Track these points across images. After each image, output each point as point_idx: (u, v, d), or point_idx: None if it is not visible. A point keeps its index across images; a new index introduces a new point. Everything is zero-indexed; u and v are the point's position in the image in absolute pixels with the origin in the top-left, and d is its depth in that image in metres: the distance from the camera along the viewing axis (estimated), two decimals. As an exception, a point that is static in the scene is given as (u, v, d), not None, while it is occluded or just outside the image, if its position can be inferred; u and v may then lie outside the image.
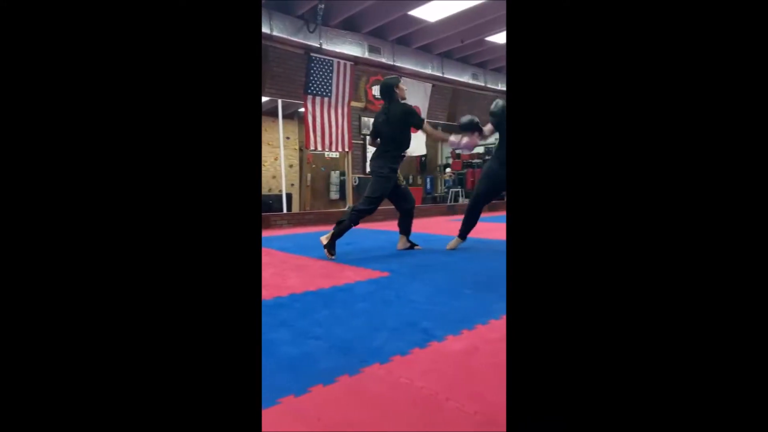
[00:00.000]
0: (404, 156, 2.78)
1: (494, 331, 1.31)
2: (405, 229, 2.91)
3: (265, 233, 4.13)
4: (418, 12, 5.05)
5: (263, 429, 0.55)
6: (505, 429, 0.78)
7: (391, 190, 2.70)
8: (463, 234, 2.92)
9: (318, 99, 5.21)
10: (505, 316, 1.43)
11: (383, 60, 5.67)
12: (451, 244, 2.91)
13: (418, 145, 6.90)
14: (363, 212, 2.61)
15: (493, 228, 4.00)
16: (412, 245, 2.92)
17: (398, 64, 6.04)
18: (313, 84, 5.10)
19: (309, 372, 1.03)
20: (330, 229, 2.63)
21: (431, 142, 7.92)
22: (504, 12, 4.99)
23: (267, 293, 1.78)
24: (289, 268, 2.22)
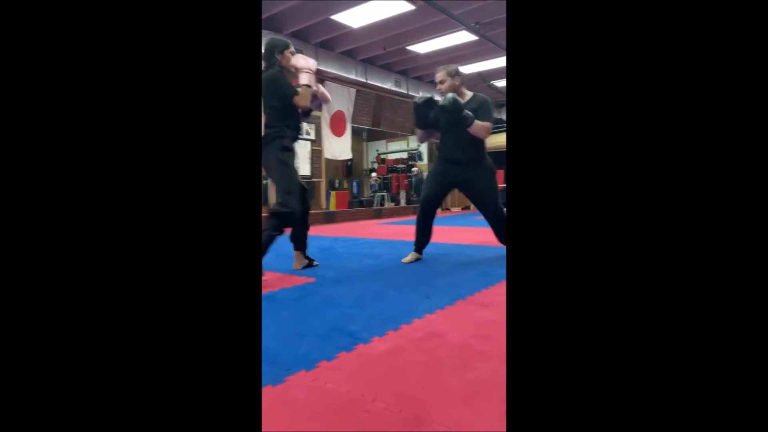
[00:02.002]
0: (297, 136, 2.21)
1: (418, 330, 1.35)
2: (298, 241, 2.34)
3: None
4: (341, 17, 5.07)
5: (263, 429, 0.54)
6: (430, 426, 0.81)
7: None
8: (418, 247, 2.59)
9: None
10: (427, 315, 1.48)
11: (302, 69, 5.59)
12: (408, 258, 2.56)
13: (343, 149, 6.91)
14: (283, 216, 2.03)
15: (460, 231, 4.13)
16: (310, 262, 2.40)
17: (321, 67, 6.01)
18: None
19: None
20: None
21: (355, 145, 7.95)
22: (426, 22, 5.20)
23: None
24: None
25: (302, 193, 2.20)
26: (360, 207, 8.21)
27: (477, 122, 2.35)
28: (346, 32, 5.54)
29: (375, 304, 1.65)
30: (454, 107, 2.30)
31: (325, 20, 5.11)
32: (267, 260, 2.58)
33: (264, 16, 4.86)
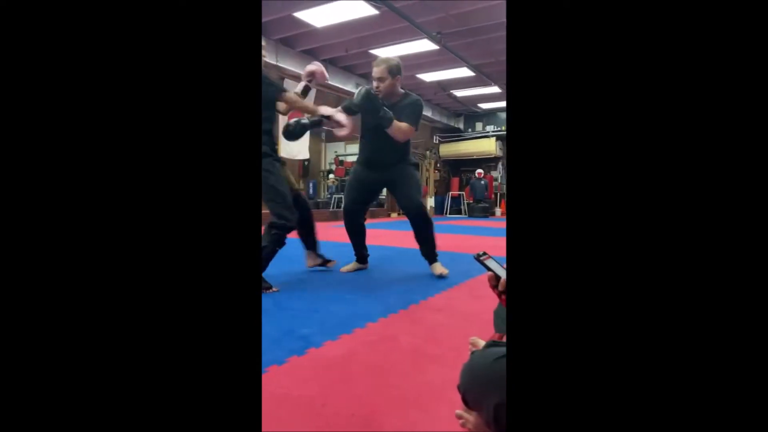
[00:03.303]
0: (270, 141, 2.05)
1: (372, 333, 1.35)
2: (309, 241, 2.33)
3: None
4: (304, 15, 5.01)
5: (263, 430, 0.53)
6: (381, 428, 0.81)
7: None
8: (358, 257, 2.42)
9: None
10: (381, 319, 1.49)
11: (266, 59, 5.48)
12: (348, 267, 2.39)
13: (300, 148, 6.80)
14: (280, 228, 1.90)
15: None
16: (325, 261, 2.37)
17: (281, 64, 5.90)
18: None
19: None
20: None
21: (314, 145, 7.84)
22: (389, 27, 5.24)
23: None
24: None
25: (297, 198, 2.09)
26: (315, 209, 8.11)
27: (396, 123, 2.03)
28: (308, 31, 5.47)
29: (328, 308, 1.63)
30: (369, 105, 1.94)
31: (287, 16, 5.02)
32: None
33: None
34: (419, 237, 2.27)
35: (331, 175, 9.92)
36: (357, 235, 2.39)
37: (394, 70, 2.11)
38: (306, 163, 9.38)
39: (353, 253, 2.45)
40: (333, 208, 8.09)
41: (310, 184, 9.75)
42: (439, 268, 2.28)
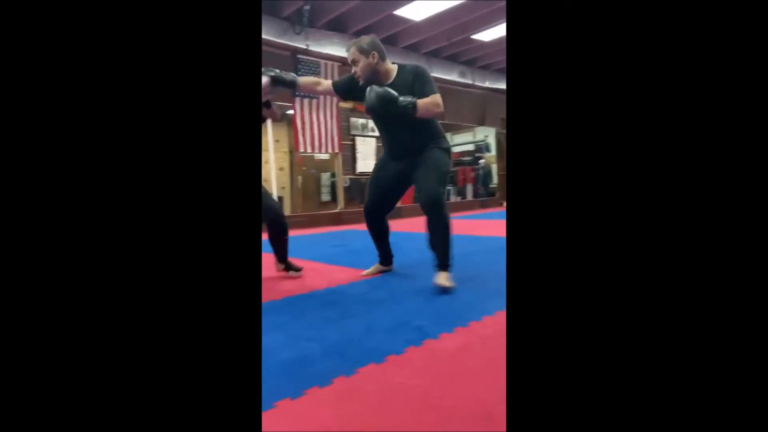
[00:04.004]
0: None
1: (487, 327, 1.32)
2: (276, 251, 2.13)
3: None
4: (404, 11, 5.06)
5: (263, 430, 0.55)
6: (502, 425, 0.79)
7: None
8: (382, 259, 2.17)
9: (306, 101, 5.19)
10: (499, 313, 1.44)
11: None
12: (370, 270, 2.16)
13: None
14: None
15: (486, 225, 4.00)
16: (288, 268, 2.16)
17: (386, 63, 6.04)
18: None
19: (304, 374, 1.03)
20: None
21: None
22: (489, 9, 5.03)
23: (262, 297, 1.78)
24: (283, 271, 2.21)
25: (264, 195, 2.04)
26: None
27: (421, 102, 1.71)
28: (409, 26, 5.52)
29: (442, 300, 1.64)
30: (388, 104, 1.68)
31: (388, 16, 5.13)
32: (339, 256, 2.67)
33: (331, 16, 4.99)
34: (431, 237, 1.85)
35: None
36: (380, 235, 2.11)
37: (366, 47, 1.80)
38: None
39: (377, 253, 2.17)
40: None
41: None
42: (443, 278, 1.77)
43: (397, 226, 4.60)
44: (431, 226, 1.83)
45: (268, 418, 0.83)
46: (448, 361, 1.08)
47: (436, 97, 1.75)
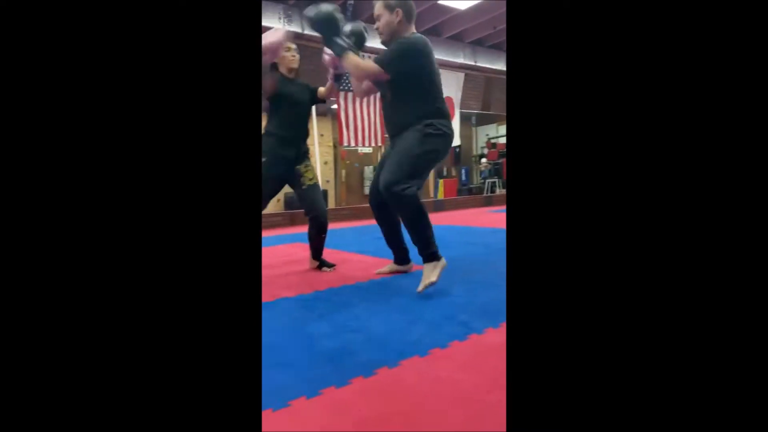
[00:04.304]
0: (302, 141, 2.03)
1: (536, 323, 1.28)
2: (313, 247, 2.16)
3: (302, 229, 4.24)
4: (448, 1, 4.96)
5: (263, 429, 0.56)
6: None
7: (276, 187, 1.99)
8: (398, 257, 1.98)
9: (350, 95, 5.24)
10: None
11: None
12: (384, 269, 2.02)
13: (451, 136, 6.78)
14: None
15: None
16: (321, 265, 2.17)
17: (429, 55, 5.96)
18: (344, 80, 5.13)
19: (349, 364, 1.04)
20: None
21: (464, 131, 7.72)
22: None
23: (306, 288, 1.82)
24: (317, 267, 2.24)
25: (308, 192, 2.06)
26: (469, 195, 8.02)
27: (350, 57, 1.55)
28: (453, 15, 5.41)
29: (486, 294, 1.60)
30: (320, 27, 1.52)
31: (432, 6, 5.05)
32: (382, 249, 2.69)
33: (372, 11, 4.98)
34: (388, 229, 1.81)
35: (483, 160, 9.67)
36: (390, 228, 1.89)
37: (393, 4, 1.62)
38: (457, 149, 9.35)
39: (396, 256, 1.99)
40: (486, 193, 7.90)
41: (463, 171, 9.69)
42: (429, 271, 1.59)
43: (438, 219, 4.56)
44: (398, 216, 1.72)
45: (314, 406, 0.85)
46: (494, 357, 1.05)
47: (369, 63, 1.58)
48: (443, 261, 1.66)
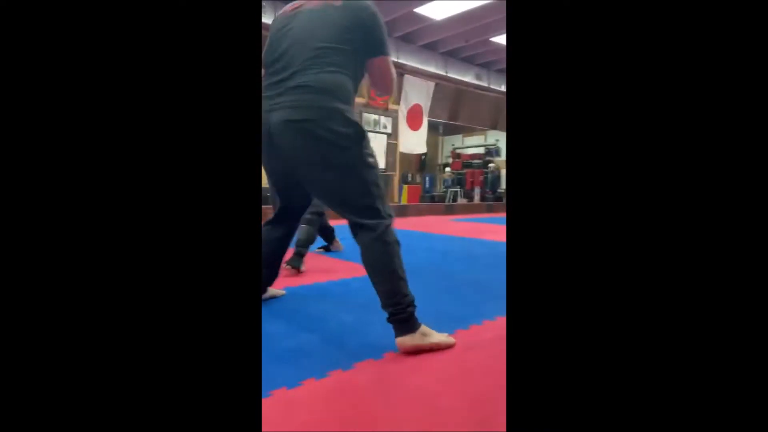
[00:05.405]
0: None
1: (489, 330, 1.31)
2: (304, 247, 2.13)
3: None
4: (424, 9, 5.04)
5: (263, 428, 0.54)
6: (501, 428, 0.78)
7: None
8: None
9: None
10: (498, 318, 1.43)
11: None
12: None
13: (418, 142, 6.89)
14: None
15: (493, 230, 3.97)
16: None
17: (402, 60, 6.03)
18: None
19: (303, 365, 1.02)
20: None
21: (431, 139, 7.84)
22: (510, 13, 4.99)
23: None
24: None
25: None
26: (432, 202, 8.15)
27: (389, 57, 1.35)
28: (428, 24, 5.49)
29: (443, 300, 1.63)
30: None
31: (408, 13, 5.11)
32: (344, 250, 2.67)
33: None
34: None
35: (448, 169, 9.86)
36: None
37: None
38: (423, 157, 9.48)
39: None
40: (448, 201, 8.05)
41: (427, 178, 9.83)
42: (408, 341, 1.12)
43: (401, 225, 4.59)
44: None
45: (264, 406, 0.82)
46: (449, 362, 1.07)
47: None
48: None
